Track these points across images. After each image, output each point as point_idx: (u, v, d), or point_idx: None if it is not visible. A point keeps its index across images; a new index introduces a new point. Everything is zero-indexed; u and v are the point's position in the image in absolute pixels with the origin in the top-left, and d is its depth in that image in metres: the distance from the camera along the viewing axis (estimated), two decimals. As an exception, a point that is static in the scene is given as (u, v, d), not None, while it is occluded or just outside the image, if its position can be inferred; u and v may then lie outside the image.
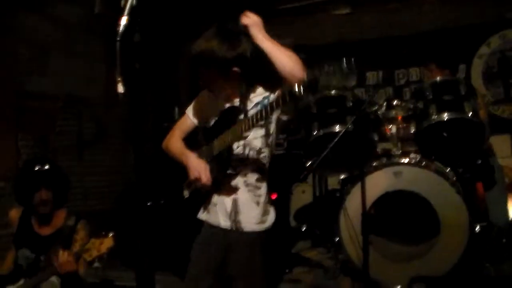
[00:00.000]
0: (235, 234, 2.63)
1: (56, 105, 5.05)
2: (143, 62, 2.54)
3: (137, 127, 2.64)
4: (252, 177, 2.62)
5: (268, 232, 2.65)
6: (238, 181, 2.63)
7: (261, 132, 2.63)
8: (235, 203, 2.63)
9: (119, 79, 2.71)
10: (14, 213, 3.53)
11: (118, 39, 2.58)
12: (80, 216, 3.48)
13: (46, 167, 3.40)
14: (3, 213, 3.93)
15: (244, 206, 2.62)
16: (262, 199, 2.63)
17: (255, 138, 2.62)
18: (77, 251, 3.05)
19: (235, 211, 2.63)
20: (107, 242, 2.94)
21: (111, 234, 2.96)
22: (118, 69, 2.71)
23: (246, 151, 2.63)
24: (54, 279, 3.21)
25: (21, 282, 3.26)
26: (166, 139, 2.94)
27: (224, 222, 2.66)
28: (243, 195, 2.63)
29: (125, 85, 2.74)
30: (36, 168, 3.39)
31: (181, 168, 2.91)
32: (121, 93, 2.71)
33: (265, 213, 2.64)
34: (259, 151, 2.64)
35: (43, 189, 3.31)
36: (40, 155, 4.62)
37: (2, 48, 4.37)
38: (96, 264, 2.98)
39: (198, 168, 2.63)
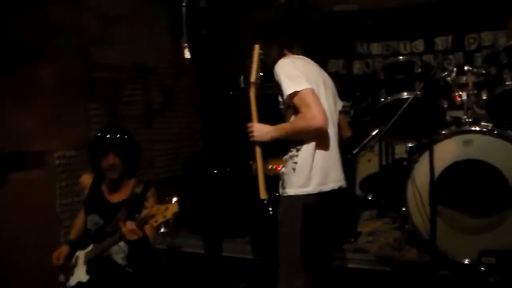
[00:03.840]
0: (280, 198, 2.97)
1: (124, 75, 5.12)
2: (210, 28, 2.53)
3: (205, 95, 2.66)
4: (293, 147, 2.90)
5: (312, 197, 2.84)
6: (288, 153, 2.95)
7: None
8: (282, 172, 2.98)
9: (185, 45, 2.73)
10: (85, 179, 3.63)
11: (183, 4, 2.60)
12: (149, 183, 3.53)
13: (116, 134, 3.45)
14: (76, 181, 4.07)
15: (284, 174, 2.95)
16: (298, 166, 2.86)
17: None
18: (142, 217, 3.08)
19: (281, 180, 2.97)
20: (172, 207, 2.95)
21: (175, 199, 2.96)
22: (184, 35, 2.72)
23: None
24: (122, 244, 3.30)
25: (91, 247, 3.36)
26: None
27: None
28: (285, 165, 2.95)
29: (191, 52, 2.75)
30: (106, 135, 3.45)
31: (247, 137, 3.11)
32: (188, 59, 2.73)
33: (304, 178, 2.84)
34: None
35: (110, 154, 3.36)
36: (114, 124, 4.71)
37: (70, 21, 4.44)
38: (162, 230, 3.02)
39: None
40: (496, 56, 3.79)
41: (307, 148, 2.86)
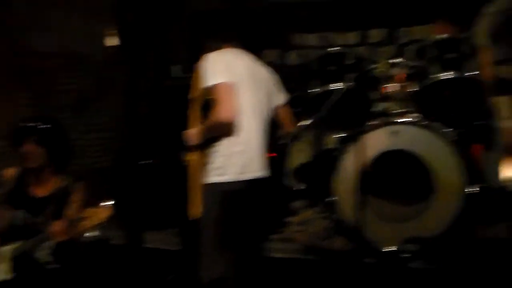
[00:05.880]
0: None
1: (56, 63, 5.01)
2: (140, 15, 2.50)
3: (132, 84, 2.64)
4: (217, 137, 2.96)
5: (230, 185, 2.93)
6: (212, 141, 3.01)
7: None
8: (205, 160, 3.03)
9: (112, 32, 2.71)
10: (9, 172, 3.49)
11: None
12: (77, 176, 3.42)
13: (32, 123, 3.33)
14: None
15: (206, 163, 2.99)
16: (218, 154, 2.95)
17: None
18: (73, 218, 3.01)
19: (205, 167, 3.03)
20: (105, 211, 2.90)
21: (109, 203, 2.92)
22: (112, 21, 2.69)
23: None
24: (48, 242, 3.21)
25: (17, 243, 3.22)
26: None
27: None
28: (208, 154, 2.99)
29: (120, 39, 2.72)
30: (22, 124, 3.33)
31: (178, 127, 3.17)
32: (114, 47, 2.70)
33: (222, 166, 2.93)
34: None
35: (25, 143, 3.25)
36: (39, 113, 4.59)
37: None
38: (92, 234, 2.97)
39: None
40: (425, 49, 3.89)
41: (228, 138, 2.94)
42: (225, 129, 2.91)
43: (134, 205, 2.41)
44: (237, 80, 2.94)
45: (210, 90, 2.90)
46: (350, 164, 3.61)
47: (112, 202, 2.90)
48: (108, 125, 5.62)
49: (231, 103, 2.85)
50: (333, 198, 3.82)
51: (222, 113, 2.83)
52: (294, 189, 4.93)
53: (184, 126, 3.15)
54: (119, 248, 4.33)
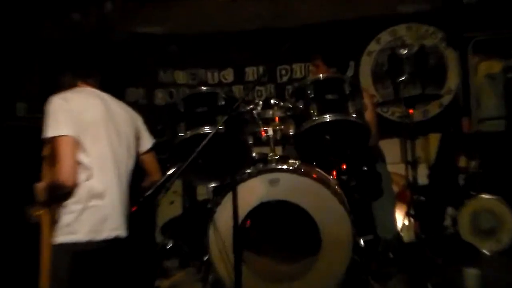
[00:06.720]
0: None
1: None
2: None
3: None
4: (68, 193, 2.73)
5: (82, 245, 2.69)
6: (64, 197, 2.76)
7: None
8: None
9: None
10: None
11: None
12: None
13: None
14: None
15: (56, 221, 2.75)
16: (68, 211, 2.71)
17: None
18: None
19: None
20: None
21: None
22: None
23: None
24: None
25: None
26: None
27: None
28: (58, 210, 2.75)
29: None
30: None
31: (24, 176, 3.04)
32: None
33: (73, 224, 2.70)
34: None
35: None
36: None
37: None
38: None
39: None
40: (304, 90, 3.67)
41: (79, 194, 2.74)
42: (63, 190, 2.69)
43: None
44: (86, 129, 2.76)
45: (50, 141, 2.73)
46: (225, 218, 3.24)
47: None
48: None
49: (69, 163, 2.67)
50: (208, 257, 3.46)
51: (59, 173, 2.65)
52: (163, 247, 4.63)
53: (34, 174, 2.88)
54: None
